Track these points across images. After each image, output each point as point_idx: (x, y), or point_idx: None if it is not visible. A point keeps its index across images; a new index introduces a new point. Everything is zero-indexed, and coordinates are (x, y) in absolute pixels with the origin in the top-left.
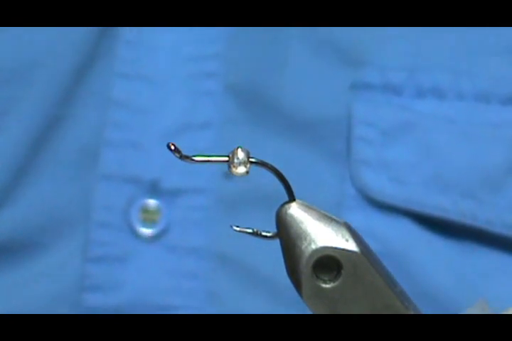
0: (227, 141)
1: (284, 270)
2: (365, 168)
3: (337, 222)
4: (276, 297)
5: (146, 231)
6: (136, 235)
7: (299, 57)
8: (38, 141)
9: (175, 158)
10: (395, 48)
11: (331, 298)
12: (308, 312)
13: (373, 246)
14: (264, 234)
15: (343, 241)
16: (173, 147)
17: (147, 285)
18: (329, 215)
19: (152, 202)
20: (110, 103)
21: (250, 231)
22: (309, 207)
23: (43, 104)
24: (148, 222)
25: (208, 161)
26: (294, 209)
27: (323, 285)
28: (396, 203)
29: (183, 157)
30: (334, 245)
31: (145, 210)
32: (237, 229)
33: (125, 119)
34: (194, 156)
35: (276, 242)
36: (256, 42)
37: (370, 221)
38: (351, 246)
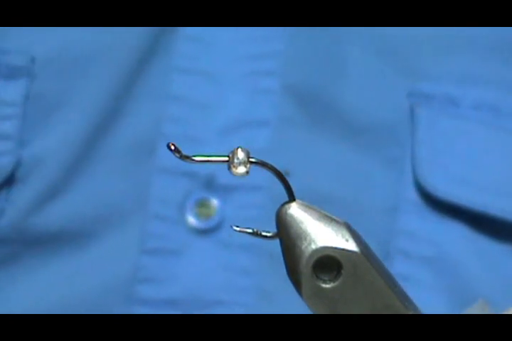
0: (284, 140)
1: None
2: (430, 168)
3: (337, 222)
4: None
5: (200, 225)
6: (191, 229)
7: (359, 61)
8: (95, 133)
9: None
10: (454, 61)
11: (331, 298)
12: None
13: (428, 250)
14: (264, 234)
15: (343, 241)
16: (173, 147)
17: (199, 280)
18: (329, 215)
19: (208, 197)
20: (168, 97)
21: (250, 231)
22: (309, 207)
23: (102, 96)
24: (202, 217)
25: (208, 161)
26: (294, 209)
27: (323, 285)
28: (459, 202)
29: (183, 157)
30: (334, 245)
31: (200, 205)
32: (237, 229)
33: (183, 114)
34: (194, 156)
35: None
36: (315, 43)
37: (427, 225)
38: (351, 246)
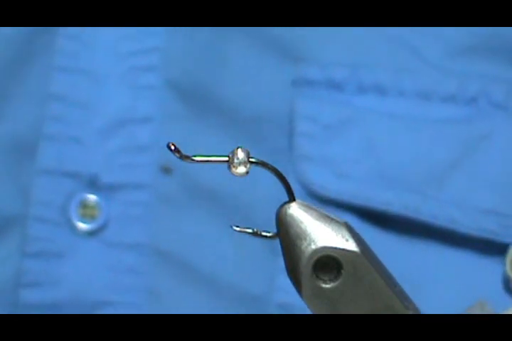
0: (167, 136)
1: (225, 267)
2: (308, 163)
3: (337, 221)
4: (217, 294)
5: (85, 226)
6: (75, 230)
7: (240, 52)
8: None
9: (114, 152)
10: (337, 45)
11: (331, 298)
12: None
13: None
14: (264, 234)
15: (343, 241)
16: (173, 147)
17: (85, 281)
18: (329, 215)
19: (91, 197)
20: (48, 97)
21: (250, 231)
22: (309, 207)
23: None
24: (86, 218)
25: (208, 161)
26: (294, 209)
27: (323, 285)
28: (340, 198)
29: (183, 157)
30: (334, 245)
31: (84, 205)
32: (237, 229)
33: (64, 113)
34: (194, 156)
35: (217, 236)
36: (196, 37)
37: None
38: (351, 246)
